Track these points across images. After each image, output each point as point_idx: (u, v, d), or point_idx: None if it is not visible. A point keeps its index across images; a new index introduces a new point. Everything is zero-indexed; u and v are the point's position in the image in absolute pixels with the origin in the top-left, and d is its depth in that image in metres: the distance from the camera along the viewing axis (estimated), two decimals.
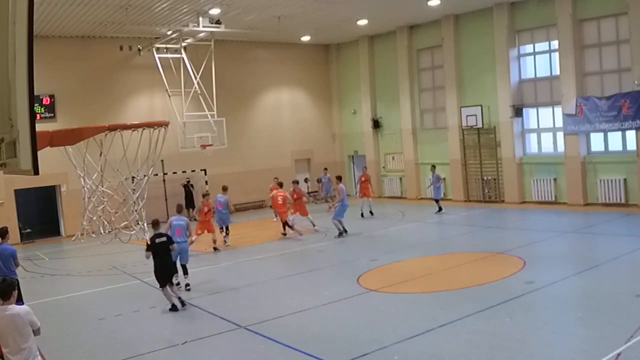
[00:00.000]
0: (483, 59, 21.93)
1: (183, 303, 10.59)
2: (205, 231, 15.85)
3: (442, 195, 20.94)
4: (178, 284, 11.85)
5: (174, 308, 10.44)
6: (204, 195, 16.75)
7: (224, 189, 17.20)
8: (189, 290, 11.92)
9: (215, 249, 16.17)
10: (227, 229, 16.79)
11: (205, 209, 15.81)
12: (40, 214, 23.52)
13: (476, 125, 21.93)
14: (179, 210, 13.11)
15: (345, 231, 16.99)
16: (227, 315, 9.92)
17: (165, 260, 10.54)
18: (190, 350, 8.42)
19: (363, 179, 21.29)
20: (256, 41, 25.64)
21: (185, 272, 12.27)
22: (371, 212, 20.84)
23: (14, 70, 3.15)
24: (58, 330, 9.78)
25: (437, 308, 9.39)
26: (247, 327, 9.17)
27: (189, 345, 8.58)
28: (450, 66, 23.02)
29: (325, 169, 25.92)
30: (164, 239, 10.66)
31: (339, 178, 18.31)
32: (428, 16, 22.85)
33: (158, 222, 11.74)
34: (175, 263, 11.27)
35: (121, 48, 22.31)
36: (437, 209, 20.29)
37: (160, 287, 10.61)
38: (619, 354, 6.78)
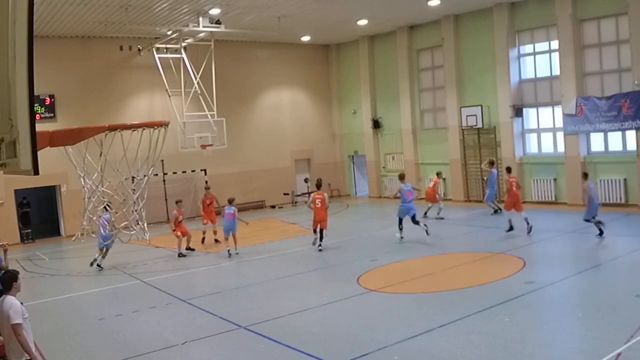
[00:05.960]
0: (483, 59, 21.92)
1: None
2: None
3: (415, 214, 15.52)
4: None
5: None
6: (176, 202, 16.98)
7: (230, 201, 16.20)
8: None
9: (188, 249, 16.19)
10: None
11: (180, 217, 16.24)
12: (40, 214, 23.52)
13: (476, 125, 21.92)
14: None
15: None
16: (227, 315, 9.91)
17: None
18: (190, 350, 8.42)
19: (208, 202, 17.53)
20: (256, 41, 25.64)
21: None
22: (217, 240, 17.35)
23: (14, 70, 3.14)
24: (58, 330, 9.79)
25: (437, 308, 9.39)
26: (247, 327, 9.17)
27: (189, 345, 8.57)
28: (450, 66, 23.02)
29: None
30: None
31: (401, 177, 16.05)
32: (428, 16, 22.85)
33: None
34: None
35: (121, 48, 22.29)
36: (399, 234, 15.56)
37: None
38: (619, 354, 6.78)
